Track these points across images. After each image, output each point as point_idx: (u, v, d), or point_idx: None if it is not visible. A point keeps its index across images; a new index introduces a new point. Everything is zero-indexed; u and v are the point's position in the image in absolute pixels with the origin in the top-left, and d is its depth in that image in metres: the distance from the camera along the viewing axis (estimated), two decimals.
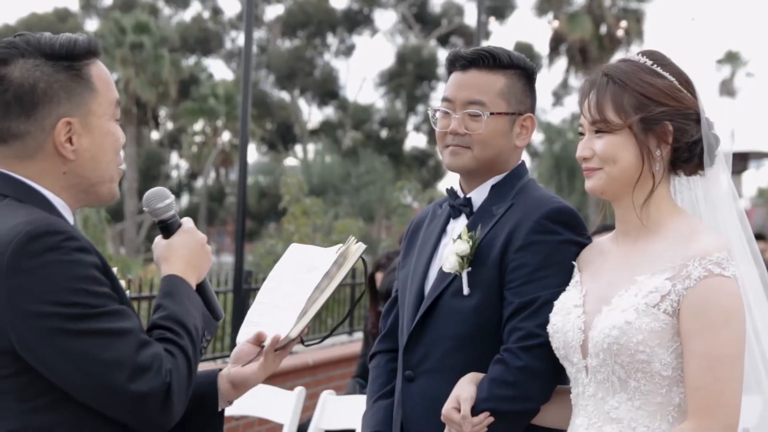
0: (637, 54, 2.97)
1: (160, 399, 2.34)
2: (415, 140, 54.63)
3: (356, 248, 2.93)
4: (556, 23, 43.75)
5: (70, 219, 2.53)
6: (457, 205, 3.35)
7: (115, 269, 2.71)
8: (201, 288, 2.70)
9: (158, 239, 2.72)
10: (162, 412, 2.36)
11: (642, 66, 2.92)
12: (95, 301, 2.32)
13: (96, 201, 2.60)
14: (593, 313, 2.87)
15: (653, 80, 2.89)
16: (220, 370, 2.84)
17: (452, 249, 3.20)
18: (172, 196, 2.74)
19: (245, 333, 2.87)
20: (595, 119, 2.89)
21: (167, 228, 2.71)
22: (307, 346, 3.03)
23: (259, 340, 2.82)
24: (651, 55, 2.95)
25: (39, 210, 2.41)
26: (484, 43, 3.31)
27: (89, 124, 2.49)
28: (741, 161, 32.40)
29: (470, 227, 3.24)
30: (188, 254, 2.66)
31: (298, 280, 2.90)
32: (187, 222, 2.75)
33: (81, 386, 2.32)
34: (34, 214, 2.37)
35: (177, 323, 2.47)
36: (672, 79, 2.91)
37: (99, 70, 2.54)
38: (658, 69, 2.91)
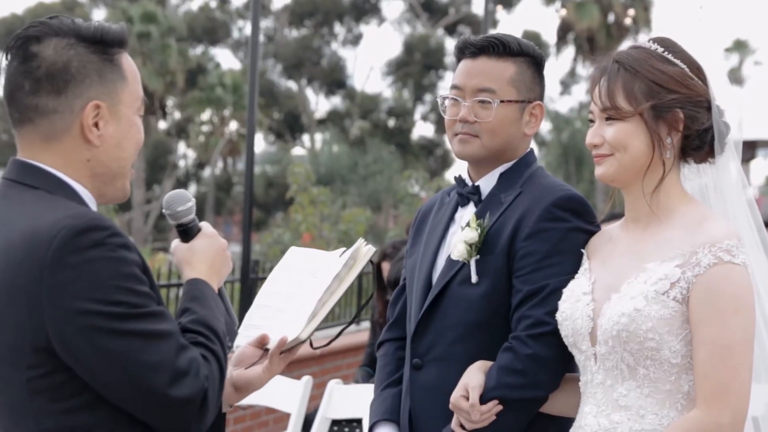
0: (649, 41, 2.96)
1: (198, 405, 2.29)
2: (422, 129, 54.68)
3: (366, 250, 2.91)
4: (563, 12, 43.70)
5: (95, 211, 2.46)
6: (466, 193, 3.35)
7: None
8: (220, 294, 2.66)
9: (177, 243, 2.68)
10: (198, 419, 2.31)
11: (653, 53, 2.90)
12: (138, 300, 2.26)
13: (113, 197, 2.53)
14: (602, 300, 2.87)
15: (664, 67, 2.88)
16: None
17: (460, 237, 3.20)
18: (193, 200, 2.70)
19: (245, 336, 2.83)
20: (606, 106, 2.88)
21: (187, 232, 2.68)
22: (315, 349, 3.00)
23: (262, 343, 2.78)
24: (662, 42, 2.94)
25: (74, 204, 2.35)
26: (492, 32, 3.28)
27: (117, 112, 2.44)
28: (749, 150, 32.33)
29: (479, 215, 3.24)
30: (211, 259, 2.62)
31: (301, 284, 2.88)
32: (207, 227, 2.71)
33: (118, 388, 2.26)
34: (75, 208, 2.31)
35: (207, 328, 2.42)
36: (683, 66, 2.90)
37: (129, 62, 2.50)
38: (670, 56, 2.90)
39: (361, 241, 2.94)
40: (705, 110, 2.88)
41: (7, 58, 2.42)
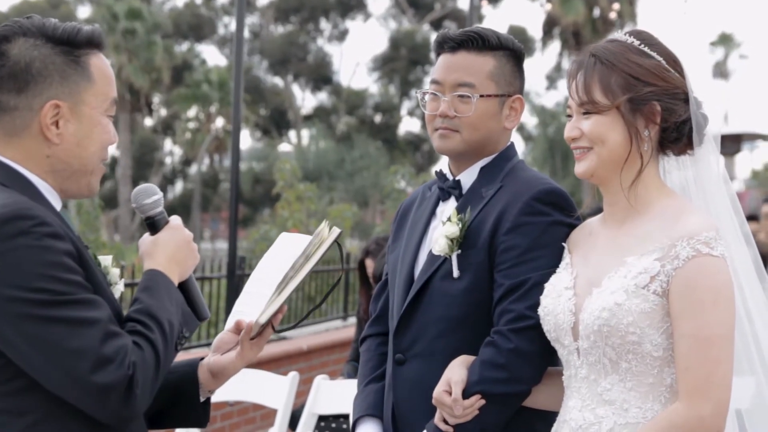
0: (625, 34, 2.95)
1: (122, 391, 2.31)
2: (408, 125, 54.67)
3: (330, 232, 2.92)
4: (549, 6, 43.72)
5: (57, 204, 2.52)
6: (447, 188, 3.34)
7: (110, 257, 2.72)
8: (186, 286, 2.68)
9: (145, 236, 2.71)
10: (124, 405, 2.33)
11: (629, 46, 2.90)
12: (64, 288, 2.30)
13: (77, 192, 2.58)
14: (584, 295, 2.86)
15: (641, 60, 2.88)
16: (202, 359, 2.82)
17: (442, 231, 3.19)
18: (160, 193, 2.73)
19: (230, 322, 2.85)
20: (583, 101, 2.88)
21: (154, 225, 2.69)
22: (278, 332, 3.01)
23: (238, 329, 2.81)
24: (638, 35, 2.94)
25: (18, 195, 2.40)
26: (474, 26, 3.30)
27: (79, 112, 2.49)
28: (734, 143, 32.38)
29: (459, 209, 3.23)
30: (173, 250, 2.64)
31: (279, 268, 2.89)
32: (175, 219, 2.73)
33: (45, 373, 2.31)
34: (9, 199, 2.36)
35: (149, 317, 2.44)
36: (660, 59, 2.90)
37: (100, 63, 2.55)
38: (646, 49, 2.90)
39: (324, 224, 2.95)
40: (682, 102, 2.88)
41: None
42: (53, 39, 2.48)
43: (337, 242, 2.95)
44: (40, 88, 2.46)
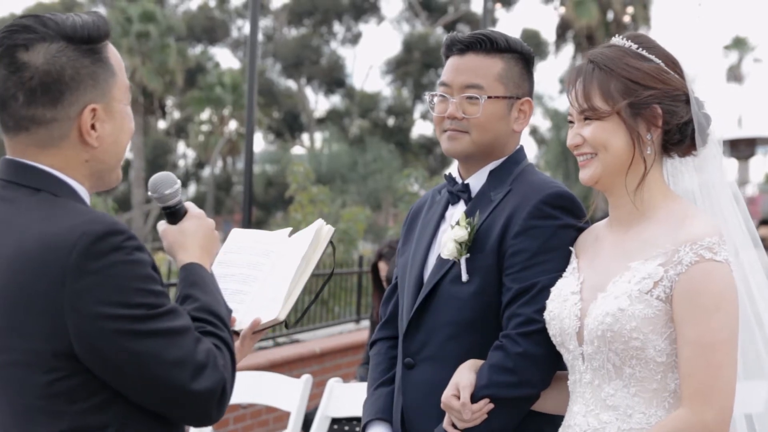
0: (622, 38, 2.95)
1: (219, 394, 2.32)
2: (421, 128, 54.63)
3: (327, 230, 2.95)
4: (562, 10, 43.70)
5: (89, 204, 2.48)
6: (456, 191, 3.35)
7: None
8: None
9: (164, 225, 2.69)
10: (219, 408, 2.33)
11: (627, 50, 2.90)
12: (156, 300, 2.28)
13: (107, 185, 2.53)
14: (589, 300, 2.86)
15: (639, 64, 2.87)
16: None
17: (450, 235, 3.19)
18: (179, 182, 2.71)
19: None
20: (583, 107, 2.88)
21: (174, 214, 2.68)
22: (287, 327, 3.03)
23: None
24: (636, 38, 2.93)
25: (81, 206, 2.36)
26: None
27: (111, 110, 2.43)
28: (748, 147, 32.27)
29: (468, 213, 3.24)
30: (202, 239, 2.63)
31: (255, 264, 2.90)
32: (193, 207, 2.72)
33: (142, 387, 2.28)
34: (89, 213, 2.31)
35: (213, 315, 2.44)
36: (658, 61, 2.89)
37: (113, 52, 2.47)
38: (644, 52, 2.89)
39: (320, 221, 2.97)
40: (683, 104, 2.88)
41: None
42: (74, 39, 2.36)
43: (331, 242, 2.98)
44: (76, 95, 2.36)
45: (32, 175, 2.39)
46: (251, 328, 2.78)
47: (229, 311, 2.57)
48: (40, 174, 2.39)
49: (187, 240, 2.62)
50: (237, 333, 2.86)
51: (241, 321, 2.83)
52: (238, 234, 3.05)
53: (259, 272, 2.89)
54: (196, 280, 2.52)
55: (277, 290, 2.85)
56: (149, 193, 2.72)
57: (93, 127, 2.40)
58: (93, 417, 2.30)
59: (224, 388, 2.33)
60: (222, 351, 2.37)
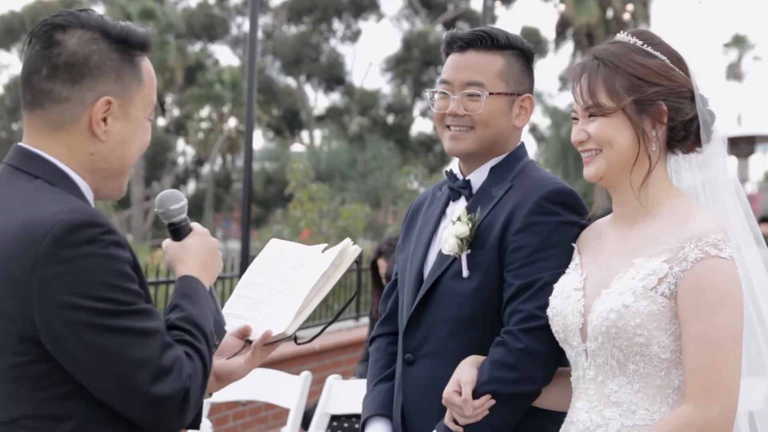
0: (627, 35, 2.94)
1: (179, 403, 2.31)
2: (421, 126, 54.62)
3: (353, 250, 2.94)
4: (562, 7, 43.70)
5: (92, 204, 2.50)
6: (457, 188, 3.35)
7: None
8: (210, 294, 2.68)
9: (168, 242, 2.71)
10: (178, 416, 2.33)
11: (632, 47, 2.90)
12: (127, 298, 2.29)
13: (110, 194, 2.56)
14: (593, 296, 2.86)
15: (644, 60, 2.87)
16: None
17: (451, 231, 3.19)
18: (185, 199, 2.73)
19: (229, 326, 2.83)
20: (588, 104, 2.88)
21: (178, 231, 2.70)
22: (299, 344, 3.02)
23: (244, 334, 2.82)
24: (641, 35, 2.93)
25: (74, 197, 2.38)
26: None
27: (128, 112, 2.48)
28: (748, 145, 32.30)
29: (469, 209, 3.24)
30: (203, 256, 2.65)
31: (283, 276, 2.90)
32: (199, 226, 2.74)
33: (102, 382, 2.29)
34: (74, 203, 2.34)
35: (195, 326, 2.44)
36: (663, 58, 2.89)
37: (148, 68, 2.54)
38: (649, 49, 2.89)
39: (348, 241, 2.96)
40: (688, 100, 2.87)
41: (30, 42, 2.46)
42: (111, 36, 2.45)
43: (356, 261, 2.96)
44: (95, 83, 2.43)
45: (34, 163, 2.43)
46: (262, 340, 2.78)
47: (221, 326, 2.60)
48: (41, 162, 2.43)
49: (188, 255, 2.64)
50: (250, 342, 2.85)
51: (256, 331, 2.82)
52: (274, 244, 3.05)
53: (284, 285, 2.89)
54: (188, 291, 2.53)
55: (292, 305, 2.84)
56: (156, 209, 2.74)
57: (105, 120, 2.44)
58: (56, 406, 2.31)
59: (186, 398, 2.32)
60: (193, 361, 2.37)
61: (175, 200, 2.71)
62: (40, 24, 2.47)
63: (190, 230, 2.72)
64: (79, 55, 2.42)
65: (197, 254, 2.64)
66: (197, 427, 2.83)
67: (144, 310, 2.32)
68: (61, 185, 2.41)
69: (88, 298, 2.24)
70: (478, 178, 3.33)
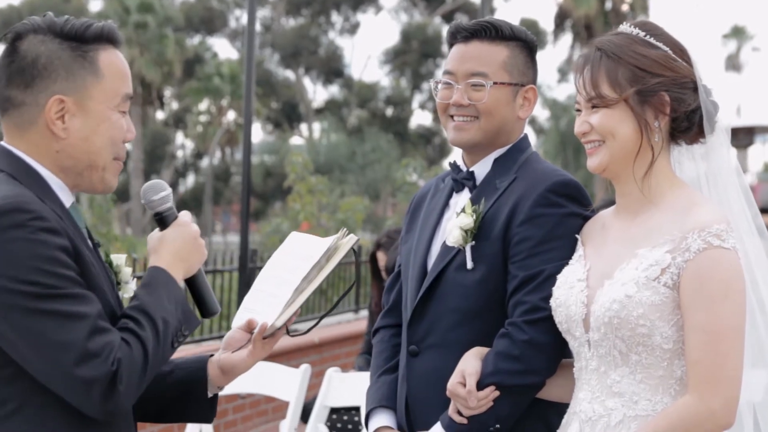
0: (630, 26, 2.95)
1: (104, 387, 2.33)
2: (420, 118, 54.73)
3: (347, 240, 2.94)
4: None
5: (68, 200, 2.54)
6: (460, 179, 3.35)
7: (123, 256, 2.77)
8: (194, 282, 2.70)
9: (153, 232, 2.72)
10: (106, 399, 2.34)
11: (635, 38, 2.90)
12: (55, 282, 2.33)
13: (90, 188, 2.60)
14: (596, 287, 2.86)
15: (647, 51, 2.87)
16: (211, 355, 2.84)
17: (456, 223, 3.19)
18: (169, 189, 2.74)
19: (240, 319, 2.87)
20: (591, 95, 2.88)
21: (163, 221, 2.70)
22: (293, 336, 3.02)
23: (249, 327, 2.82)
24: (643, 26, 2.93)
25: (23, 188, 2.43)
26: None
27: (85, 107, 2.52)
28: (747, 136, 32.26)
29: (474, 201, 3.24)
30: (178, 247, 2.65)
31: (293, 268, 2.90)
32: (184, 215, 2.74)
33: (34, 364, 2.34)
34: (10, 192, 2.39)
35: (143, 314, 2.46)
36: (666, 48, 2.89)
37: (111, 59, 2.56)
38: (652, 40, 2.89)
39: (343, 231, 2.96)
40: (691, 91, 2.88)
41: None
42: (61, 35, 2.51)
43: (353, 249, 2.96)
44: (46, 83, 2.49)
45: (5, 158, 2.51)
46: (259, 333, 2.78)
47: (193, 315, 2.61)
48: (11, 158, 2.51)
49: (162, 246, 2.65)
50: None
51: (258, 324, 2.82)
52: (293, 237, 3.05)
53: (293, 276, 2.88)
54: (150, 281, 2.55)
55: (284, 296, 2.83)
56: (141, 200, 2.76)
57: (62, 119, 2.50)
58: None
59: (114, 381, 2.34)
60: (130, 347, 2.39)
61: (156, 190, 2.71)
62: (4, 34, 2.56)
63: (176, 219, 2.72)
64: (28, 59, 2.50)
65: (172, 245, 2.64)
66: (209, 421, 2.84)
67: (74, 294, 2.36)
68: (26, 180, 2.47)
69: (14, 280, 2.30)
70: (482, 169, 3.33)
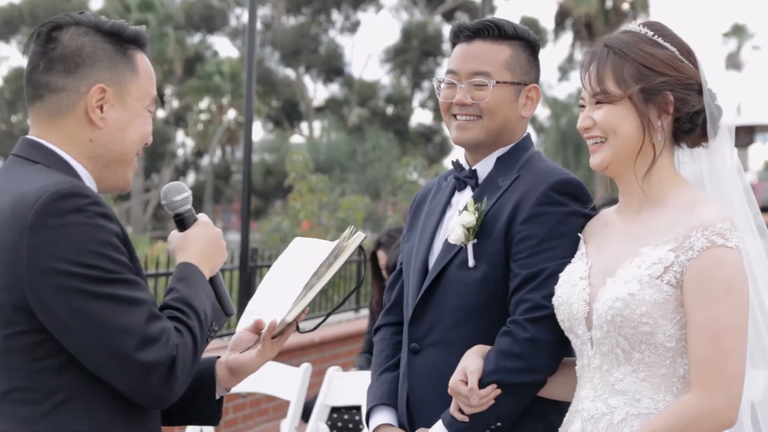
0: (639, 25, 2.96)
1: (165, 371, 2.35)
2: (420, 116, 54.75)
3: (355, 237, 2.96)
4: None
5: (95, 190, 2.56)
6: (463, 178, 3.35)
7: None
8: (213, 282, 2.72)
9: (174, 232, 2.76)
10: (164, 386, 2.37)
11: (643, 37, 2.91)
12: (113, 266, 2.35)
13: (114, 183, 2.64)
14: (598, 285, 2.87)
15: (654, 50, 2.88)
16: (218, 357, 2.85)
17: (458, 221, 3.20)
18: (189, 191, 2.78)
19: (245, 321, 2.90)
20: (596, 91, 2.89)
21: (183, 222, 2.75)
22: (302, 333, 3.03)
23: (257, 328, 2.85)
24: (652, 25, 2.95)
25: (66, 175, 2.46)
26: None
27: (123, 100, 2.58)
28: (747, 135, 32.25)
29: (476, 199, 3.24)
30: (204, 246, 2.69)
31: (296, 271, 2.92)
32: (204, 217, 2.79)
33: (90, 349, 2.34)
34: (63, 177, 2.42)
35: (187, 305, 2.49)
36: (673, 49, 2.90)
37: (144, 61, 2.64)
38: (659, 39, 2.91)
39: (350, 228, 2.97)
40: (696, 93, 2.89)
41: (33, 43, 2.60)
42: (103, 30, 2.58)
43: (360, 247, 2.97)
44: (89, 71, 2.54)
45: (34, 150, 2.54)
46: (268, 331, 2.79)
47: (221, 313, 2.66)
48: (41, 149, 2.54)
49: (189, 244, 2.69)
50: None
51: (266, 324, 2.84)
52: (297, 242, 3.07)
53: (300, 278, 2.90)
54: (184, 275, 2.59)
55: (292, 293, 2.85)
56: (161, 201, 2.80)
57: (101, 108, 2.55)
58: (46, 378, 2.38)
59: (173, 367, 2.36)
60: (182, 335, 2.42)
61: (178, 191, 2.75)
62: (40, 26, 2.60)
63: (195, 220, 2.76)
64: (73, 47, 2.55)
65: (198, 243, 2.69)
66: (215, 423, 2.85)
67: (131, 280, 2.38)
68: (58, 169, 2.50)
69: (75, 264, 2.32)
70: (484, 168, 3.34)
